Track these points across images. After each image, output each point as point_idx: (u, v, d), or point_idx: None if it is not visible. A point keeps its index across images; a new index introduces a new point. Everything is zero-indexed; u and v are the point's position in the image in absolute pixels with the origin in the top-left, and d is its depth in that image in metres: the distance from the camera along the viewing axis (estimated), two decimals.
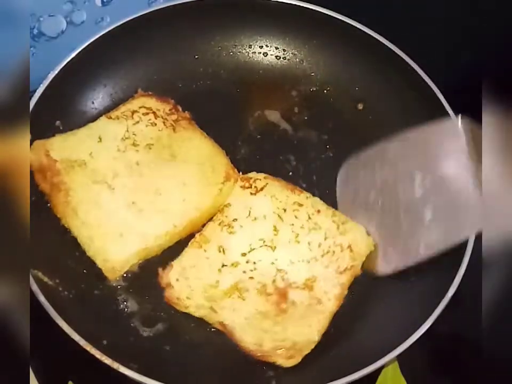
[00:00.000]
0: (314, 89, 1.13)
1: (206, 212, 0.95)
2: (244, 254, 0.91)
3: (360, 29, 1.08)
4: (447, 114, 0.99)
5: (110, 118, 1.00)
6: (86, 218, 0.91)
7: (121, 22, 1.05)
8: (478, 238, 0.88)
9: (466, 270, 0.88)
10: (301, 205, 0.96)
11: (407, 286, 0.94)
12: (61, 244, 0.92)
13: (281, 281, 0.90)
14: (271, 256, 0.92)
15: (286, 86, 1.14)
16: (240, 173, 0.99)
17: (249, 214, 0.95)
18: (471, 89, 0.91)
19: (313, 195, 1.00)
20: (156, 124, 1.00)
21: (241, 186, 0.97)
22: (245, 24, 1.13)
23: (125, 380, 0.79)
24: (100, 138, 0.97)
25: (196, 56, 1.13)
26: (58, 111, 1.01)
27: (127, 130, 0.99)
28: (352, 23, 1.08)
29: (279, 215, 0.95)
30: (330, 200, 1.00)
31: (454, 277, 0.88)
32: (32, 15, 1.07)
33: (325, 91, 1.13)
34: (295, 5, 1.10)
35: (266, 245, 0.92)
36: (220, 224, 0.94)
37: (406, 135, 0.94)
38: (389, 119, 1.08)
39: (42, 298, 0.80)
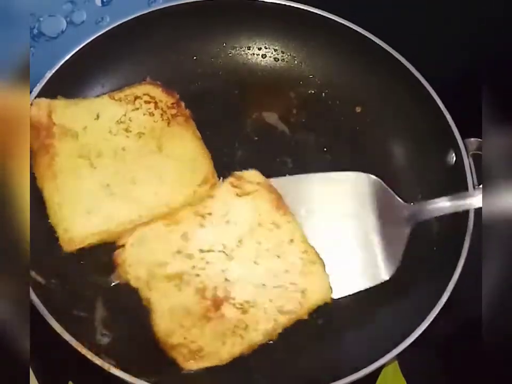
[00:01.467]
0: (313, 91, 1.13)
1: (175, 210, 0.94)
2: (201, 251, 0.89)
3: (359, 32, 1.07)
4: (443, 117, 1.00)
5: (113, 98, 1.01)
6: (62, 186, 0.92)
7: (119, 22, 1.05)
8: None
9: (463, 270, 0.88)
10: (278, 227, 0.91)
11: (406, 286, 0.95)
12: (55, 243, 0.92)
13: (222, 291, 0.86)
14: (224, 264, 0.88)
15: (284, 88, 1.13)
16: (221, 179, 0.98)
17: (225, 214, 0.92)
18: (469, 92, 0.92)
19: None
20: (153, 114, 1.01)
21: (230, 183, 0.95)
22: (244, 25, 1.13)
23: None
24: (98, 116, 0.99)
25: (195, 57, 1.13)
26: None
27: (125, 115, 1.00)
28: (351, 26, 1.08)
29: (251, 228, 0.91)
30: None
31: (451, 277, 0.88)
32: (32, 15, 1.08)
33: (323, 93, 1.13)
34: (294, 7, 1.09)
35: (224, 252, 0.89)
36: (195, 212, 0.92)
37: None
38: (387, 122, 1.09)
39: (34, 298, 0.80)
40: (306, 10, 1.09)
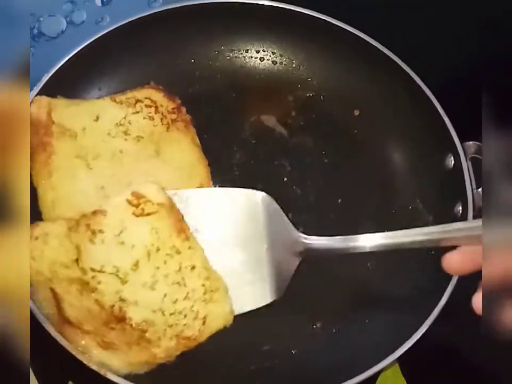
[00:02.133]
0: (311, 94, 1.13)
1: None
2: (92, 269, 0.82)
3: (357, 35, 1.07)
4: (442, 120, 1.00)
5: (114, 101, 1.01)
6: (57, 184, 0.92)
7: (117, 25, 1.04)
8: None
9: None
10: (178, 252, 0.85)
11: (405, 287, 0.95)
12: None
13: (119, 311, 0.81)
14: (118, 286, 0.82)
15: (282, 91, 1.13)
16: (217, 187, 0.98)
17: (118, 234, 0.85)
18: (467, 95, 0.91)
19: (308, 201, 1.00)
20: (153, 119, 1.01)
21: (127, 200, 0.86)
22: (242, 28, 1.13)
23: None
24: (97, 118, 0.98)
25: (192, 60, 1.13)
26: None
27: (125, 118, 1.00)
28: (349, 29, 1.07)
29: (148, 253, 0.84)
30: (324, 207, 1.00)
31: (449, 282, 0.88)
32: (32, 15, 1.08)
33: (322, 97, 1.12)
34: (292, 10, 1.09)
35: (117, 275, 0.82)
36: (87, 225, 0.84)
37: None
38: (385, 125, 1.09)
39: (30, 303, 0.80)
40: (304, 13, 1.09)
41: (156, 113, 1.01)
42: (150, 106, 1.02)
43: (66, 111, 0.97)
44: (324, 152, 1.08)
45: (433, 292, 0.88)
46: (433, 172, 1.02)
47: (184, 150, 0.99)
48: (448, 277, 0.88)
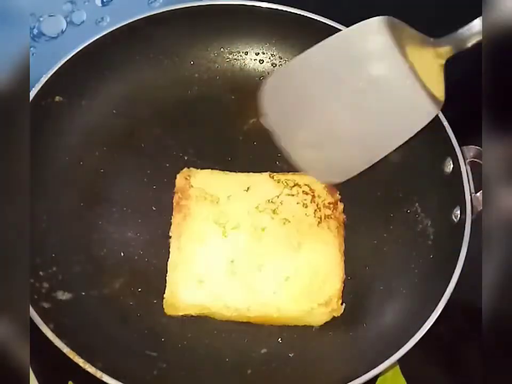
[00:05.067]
0: None
1: (285, 318, 0.91)
2: None
3: None
4: (441, 124, 0.99)
5: (272, 178, 1.00)
6: (185, 246, 0.93)
7: (116, 27, 1.05)
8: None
9: (462, 273, 0.88)
10: None
11: (403, 291, 0.95)
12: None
13: None
14: None
15: None
16: (343, 305, 0.93)
17: None
18: (466, 99, 0.91)
19: None
20: (307, 206, 0.98)
21: None
22: (241, 31, 1.13)
23: None
24: (248, 188, 0.98)
25: (192, 62, 1.13)
26: None
27: (278, 196, 0.98)
28: None
29: None
30: None
31: (450, 279, 0.88)
32: (32, 15, 1.07)
33: None
34: (291, 12, 1.09)
35: None
36: None
37: (326, 41, 0.91)
38: None
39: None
40: (303, 15, 1.09)
41: (311, 203, 0.98)
42: (307, 194, 0.99)
43: (209, 178, 0.99)
44: None
45: (433, 293, 0.89)
46: (432, 175, 1.01)
47: (326, 255, 0.94)
48: (448, 278, 0.88)
